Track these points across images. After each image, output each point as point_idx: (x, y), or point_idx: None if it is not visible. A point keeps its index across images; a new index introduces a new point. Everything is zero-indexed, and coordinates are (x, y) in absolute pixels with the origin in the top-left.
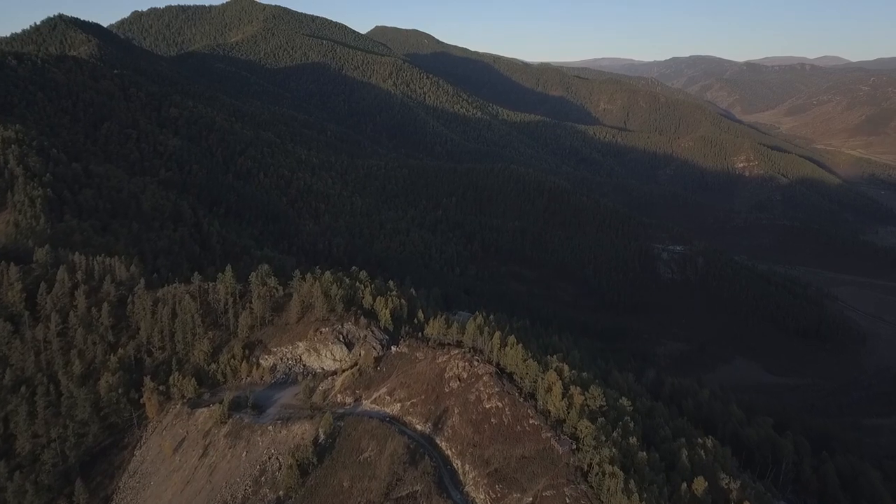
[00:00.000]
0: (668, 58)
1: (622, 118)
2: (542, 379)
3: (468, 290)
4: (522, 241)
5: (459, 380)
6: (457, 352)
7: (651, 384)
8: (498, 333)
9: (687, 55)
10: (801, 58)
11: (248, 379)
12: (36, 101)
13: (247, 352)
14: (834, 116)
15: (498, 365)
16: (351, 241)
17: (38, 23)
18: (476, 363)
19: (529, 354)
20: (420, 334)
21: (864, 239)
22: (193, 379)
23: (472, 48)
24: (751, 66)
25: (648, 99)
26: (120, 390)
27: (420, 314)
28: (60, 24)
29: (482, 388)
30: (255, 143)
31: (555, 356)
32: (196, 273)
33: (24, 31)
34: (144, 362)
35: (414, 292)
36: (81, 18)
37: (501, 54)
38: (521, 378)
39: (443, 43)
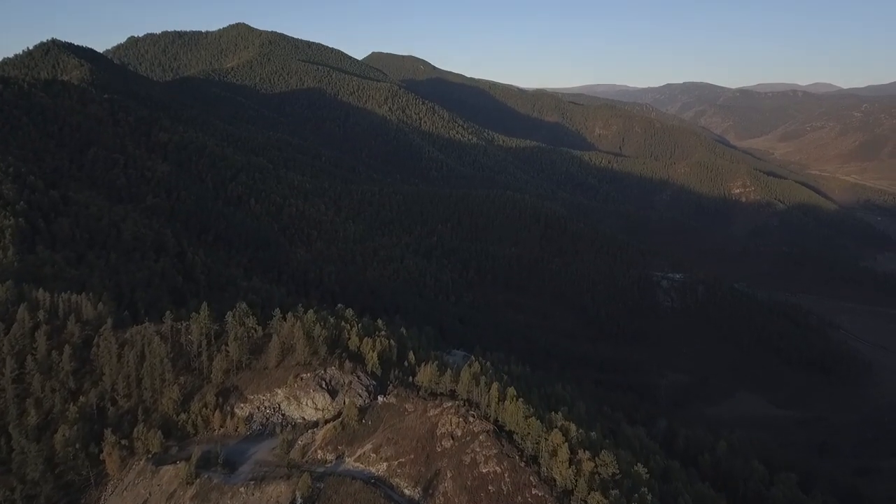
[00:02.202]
0: (661, 84)
1: (617, 144)
2: (546, 440)
3: (463, 320)
4: (519, 268)
5: (453, 438)
6: (450, 404)
7: (662, 436)
8: (496, 384)
9: (681, 81)
10: (793, 84)
11: (221, 430)
12: (21, 126)
13: (220, 400)
14: (828, 142)
15: (496, 421)
16: (343, 269)
17: (30, 47)
18: (471, 419)
19: (531, 410)
20: (410, 379)
21: (863, 265)
22: (160, 431)
23: (468, 74)
24: (744, 93)
25: (644, 124)
26: (77, 445)
27: (411, 356)
28: (54, 49)
29: (478, 449)
30: (247, 169)
31: (559, 412)
32: (168, 312)
33: (16, 55)
34: (108, 412)
35: (405, 332)
36: (76, 44)
37: (497, 80)
38: (522, 438)
39: (438, 69)
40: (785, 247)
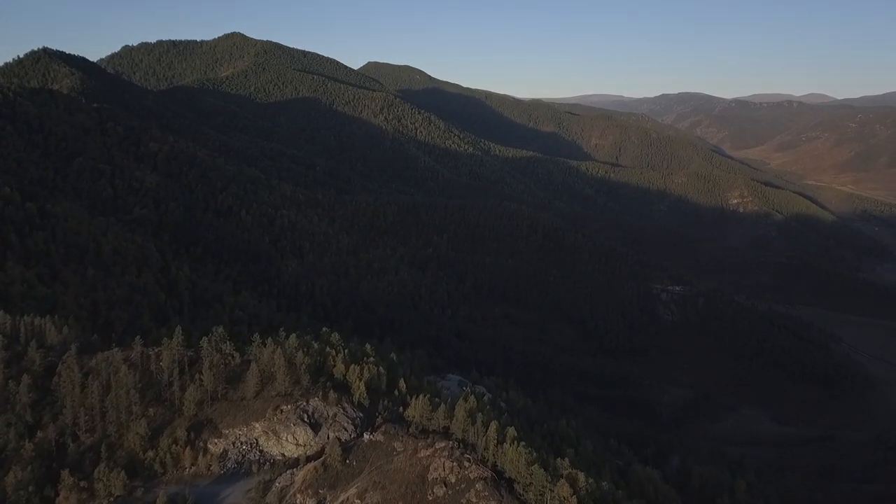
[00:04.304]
0: (657, 94)
1: (614, 154)
2: (552, 491)
3: (460, 334)
4: (516, 280)
5: (446, 484)
6: (443, 445)
7: (675, 474)
8: (494, 424)
9: (676, 92)
10: (787, 95)
11: (193, 469)
12: (4, 136)
13: (192, 434)
14: (823, 153)
15: (494, 466)
16: (336, 282)
17: (20, 56)
18: (467, 463)
19: (534, 455)
20: (401, 410)
21: (863, 276)
22: (123, 472)
23: (465, 84)
24: (739, 103)
25: (640, 135)
26: (31, 487)
27: (402, 384)
28: (44, 58)
29: (475, 500)
30: (238, 179)
31: (565, 457)
32: (138, 337)
33: (6, 64)
34: (68, 448)
35: (395, 357)
36: (68, 52)
37: (493, 90)
38: (524, 489)
39: (435, 79)
40: (784, 258)
